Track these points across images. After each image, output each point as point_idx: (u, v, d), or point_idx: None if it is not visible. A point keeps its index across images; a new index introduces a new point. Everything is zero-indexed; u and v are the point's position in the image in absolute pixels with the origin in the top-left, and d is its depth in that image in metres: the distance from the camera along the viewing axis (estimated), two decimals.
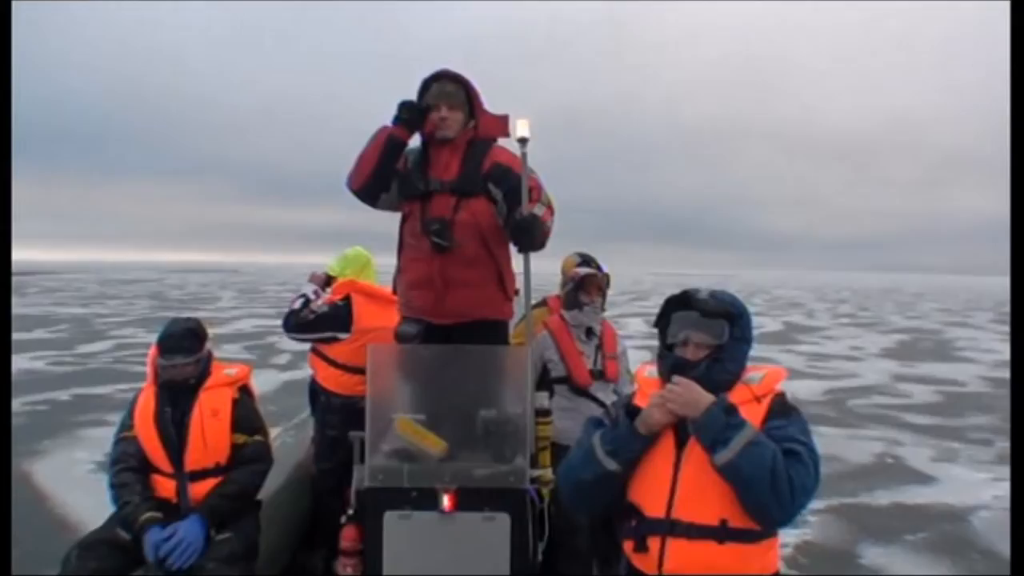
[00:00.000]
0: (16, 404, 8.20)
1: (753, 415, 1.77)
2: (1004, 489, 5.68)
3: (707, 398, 1.74)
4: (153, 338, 2.69)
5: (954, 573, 3.10)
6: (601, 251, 3.48)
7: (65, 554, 2.41)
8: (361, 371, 3.07)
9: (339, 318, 3.27)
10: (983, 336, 20.19)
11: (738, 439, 1.67)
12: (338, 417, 3.25)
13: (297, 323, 3.29)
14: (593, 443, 1.85)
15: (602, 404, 2.97)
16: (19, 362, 11.36)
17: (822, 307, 32.11)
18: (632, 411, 1.83)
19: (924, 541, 4.63)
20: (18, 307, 22.08)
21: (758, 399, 1.81)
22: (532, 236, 2.39)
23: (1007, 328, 22.66)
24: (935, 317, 27.02)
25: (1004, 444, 7.30)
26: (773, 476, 1.65)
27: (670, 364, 1.87)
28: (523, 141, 2.44)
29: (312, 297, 3.34)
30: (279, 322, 3.53)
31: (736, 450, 1.66)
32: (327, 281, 3.47)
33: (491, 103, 2.67)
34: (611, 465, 1.81)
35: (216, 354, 2.78)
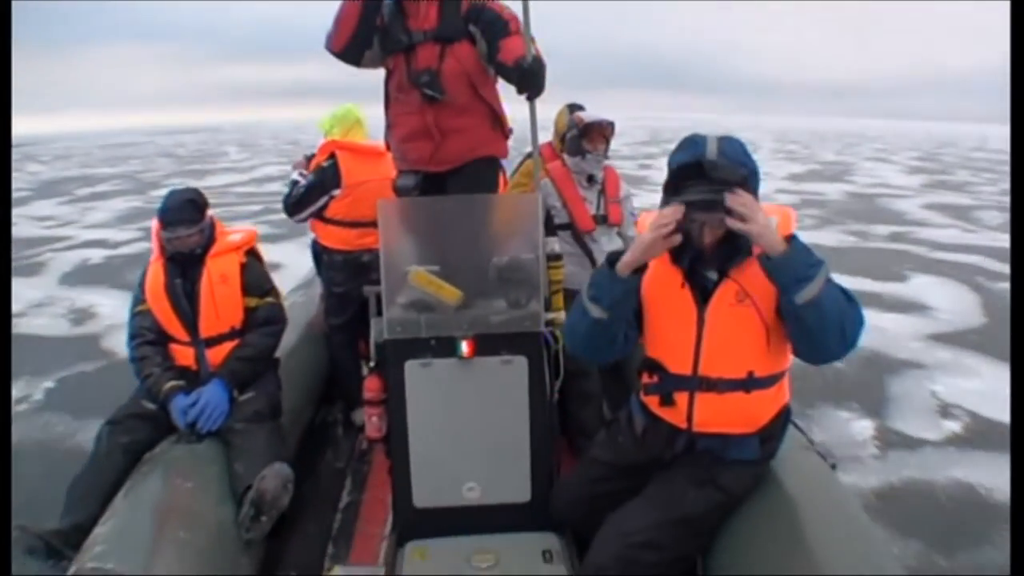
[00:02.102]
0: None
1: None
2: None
3: (779, 235, 1.62)
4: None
5: (954, 573, 3.12)
6: (587, 96, 3.44)
7: (96, 432, 2.47)
8: (358, 225, 3.17)
9: (328, 180, 3.24)
10: (885, 169, 21.50)
11: (820, 275, 1.60)
12: (342, 274, 3.30)
13: (293, 202, 3.27)
14: (581, 292, 1.85)
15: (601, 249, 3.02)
16: (117, 204, 13.15)
17: (771, 146, 33.10)
18: (613, 258, 1.79)
19: None
20: (52, 171, 22.87)
21: None
22: (541, 81, 2.32)
23: (917, 163, 24.00)
24: (862, 155, 28.34)
25: (810, 222, 10.79)
26: (843, 314, 1.63)
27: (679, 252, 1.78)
28: None
29: (300, 180, 3.29)
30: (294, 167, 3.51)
31: (820, 286, 1.59)
32: (311, 159, 3.42)
33: None
34: (596, 312, 1.79)
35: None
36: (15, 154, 37.35)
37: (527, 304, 2.23)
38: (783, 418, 1.92)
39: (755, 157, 1.76)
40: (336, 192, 3.25)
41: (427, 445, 2.22)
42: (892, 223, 11.20)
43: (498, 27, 2.42)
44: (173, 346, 2.65)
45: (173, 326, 2.63)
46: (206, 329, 2.63)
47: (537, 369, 2.22)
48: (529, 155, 3.07)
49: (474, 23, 2.50)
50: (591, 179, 3.18)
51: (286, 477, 2.24)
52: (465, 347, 2.17)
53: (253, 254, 2.81)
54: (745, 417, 1.84)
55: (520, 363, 2.20)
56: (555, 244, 2.49)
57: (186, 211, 2.63)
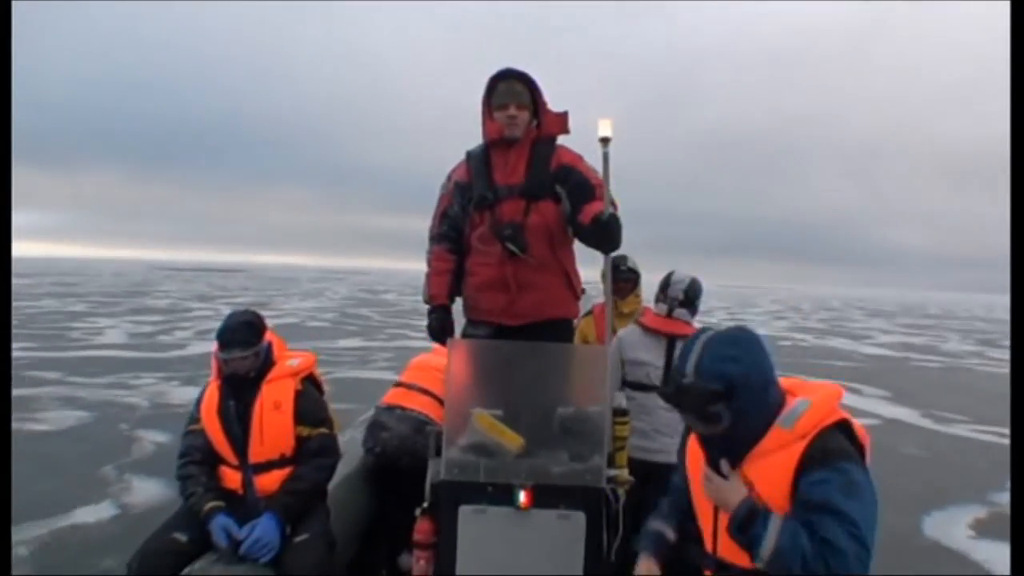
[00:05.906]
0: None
1: (782, 467, 1.60)
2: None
3: (736, 497, 1.63)
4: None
5: (954, 573, 3.01)
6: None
7: (128, 563, 2.41)
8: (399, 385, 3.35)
9: None
10: (878, 326, 28.21)
11: (765, 547, 1.56)
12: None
13: None
14: None
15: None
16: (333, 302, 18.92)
17: (819, 315, 38.35)
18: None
19: None
20: (278, 305, 26.80)
21: (793, 442, 1.60)
22: (617, 237, 2.38)
23: (909, 321, 31.99)
24: (849, 317, 35.09)
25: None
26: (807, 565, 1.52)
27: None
28: (605, 141, 2.40)
29: None
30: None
31: (766, 558, 1.56)
32: None
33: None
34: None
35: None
36: (217, 276, 46.18)
37: (590, 458, 2.18)
38: None
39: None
40: None
41: None
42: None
43: (585, 191, 2.49)
44: (222, 468, 2.64)
45: (223, 448, 2.62)
46: (255, 455, 2.60)
47: (595, 527, 2.14)
48: (588, 313, 3.21)
49: (562, 183, 2.56)
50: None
51: None
52: (523, 497, 2.11)
53: (311, 380, 2.79)
54: None
55: (578, 519, 2.12)
56: (622, 399, 2.46)
57: (243, 333, 2.62)
